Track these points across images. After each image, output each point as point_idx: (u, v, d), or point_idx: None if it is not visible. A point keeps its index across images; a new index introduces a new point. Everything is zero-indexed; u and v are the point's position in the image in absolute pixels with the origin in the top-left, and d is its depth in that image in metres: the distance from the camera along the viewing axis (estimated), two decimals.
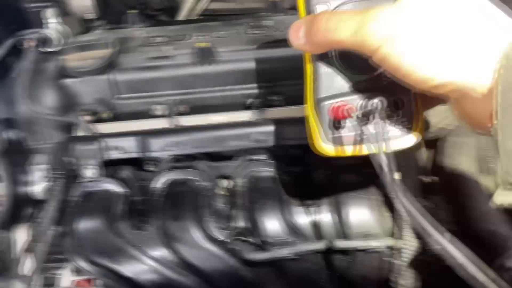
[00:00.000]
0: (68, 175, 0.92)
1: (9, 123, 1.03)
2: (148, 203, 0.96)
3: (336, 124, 0.63)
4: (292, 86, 1.02)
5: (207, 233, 0.90)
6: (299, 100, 0.74)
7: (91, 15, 1.31)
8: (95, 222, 0.92)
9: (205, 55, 1.07)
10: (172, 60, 1.10)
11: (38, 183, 1.08)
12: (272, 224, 0.88)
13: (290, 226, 0.88)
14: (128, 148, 0.98)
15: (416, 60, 0.48)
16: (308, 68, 0.64)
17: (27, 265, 0.97)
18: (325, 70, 0.61)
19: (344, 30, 0.52)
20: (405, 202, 0.52)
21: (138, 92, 1.11)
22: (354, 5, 0.58)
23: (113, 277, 0.90)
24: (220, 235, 0.91)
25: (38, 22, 1.12)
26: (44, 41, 1.08)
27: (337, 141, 0.63)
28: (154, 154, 0.98)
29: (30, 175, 1.08)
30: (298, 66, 0.66)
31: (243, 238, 0.89)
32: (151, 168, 1.10)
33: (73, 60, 1.07)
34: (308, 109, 0.65)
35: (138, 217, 0.96)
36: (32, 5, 1.15)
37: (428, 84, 0.49)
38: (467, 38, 0.46)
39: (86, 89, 1.07)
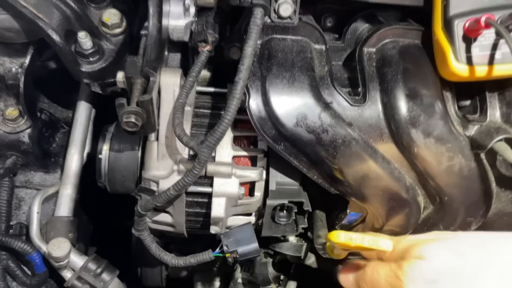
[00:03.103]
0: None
1: None
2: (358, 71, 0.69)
3: (471, 41, 0.59)
4: None
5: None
6: None
7: None
8: (297, 84, 0.65)
9: None
10: None
11: (178, 17, 0.77)
12: None
13: None
14: None
15: None
16: None
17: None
18: None
19: None
20: None
21: None
22: None
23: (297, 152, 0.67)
24: None
25: None
26: None
27: (471, 61, 0.60)
28: None
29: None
30: None
31: None
32: None
33: None
34: (436, 30, 0.62)
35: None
36: None
37: None
38: None
39: None
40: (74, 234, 0.88)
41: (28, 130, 0.92)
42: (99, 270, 0.85)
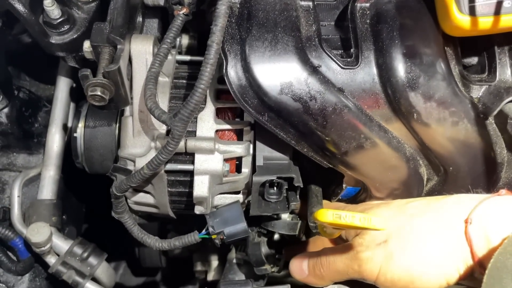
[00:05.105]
0: None
1: None
2: (350, 30, 0.62)
3: None
4: None
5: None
6: None
7: None
8: (281, 47, 0.58)
9: None
10: None
11: None
12: None
13: None
14: None
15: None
16: None
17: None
18: None
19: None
20: None
21: None
22: None
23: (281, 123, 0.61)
24: None
25: None
26: None
27: (476, 11, 0.52)
28: None
29: None
30: None
31: None
32: None
33: None
34: None
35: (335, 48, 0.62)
36: None
37: None
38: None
39: None
40: (58, 218, 0.83)
41: (5, 110, 0.87)
42: (85, 254, 0.80)
